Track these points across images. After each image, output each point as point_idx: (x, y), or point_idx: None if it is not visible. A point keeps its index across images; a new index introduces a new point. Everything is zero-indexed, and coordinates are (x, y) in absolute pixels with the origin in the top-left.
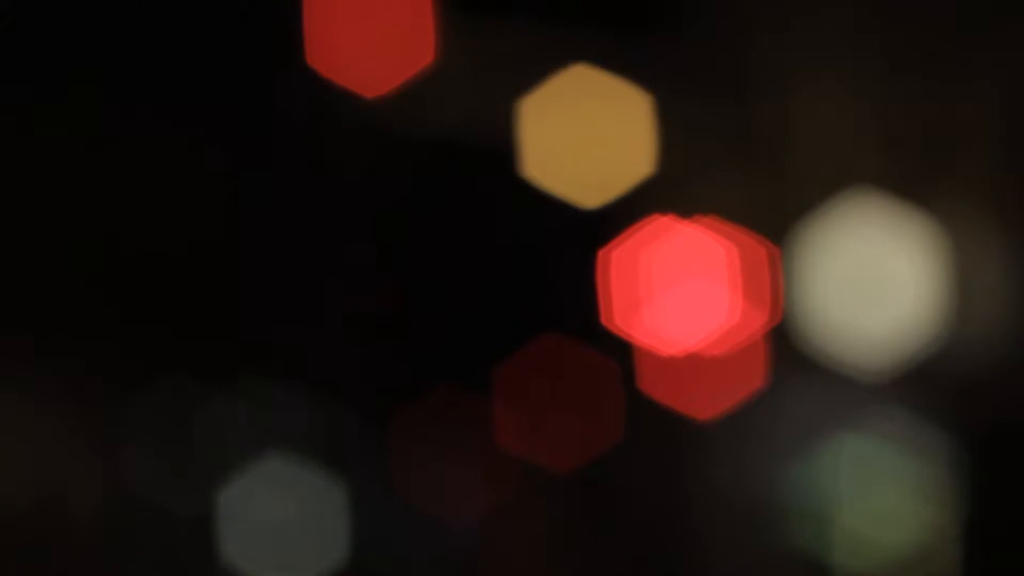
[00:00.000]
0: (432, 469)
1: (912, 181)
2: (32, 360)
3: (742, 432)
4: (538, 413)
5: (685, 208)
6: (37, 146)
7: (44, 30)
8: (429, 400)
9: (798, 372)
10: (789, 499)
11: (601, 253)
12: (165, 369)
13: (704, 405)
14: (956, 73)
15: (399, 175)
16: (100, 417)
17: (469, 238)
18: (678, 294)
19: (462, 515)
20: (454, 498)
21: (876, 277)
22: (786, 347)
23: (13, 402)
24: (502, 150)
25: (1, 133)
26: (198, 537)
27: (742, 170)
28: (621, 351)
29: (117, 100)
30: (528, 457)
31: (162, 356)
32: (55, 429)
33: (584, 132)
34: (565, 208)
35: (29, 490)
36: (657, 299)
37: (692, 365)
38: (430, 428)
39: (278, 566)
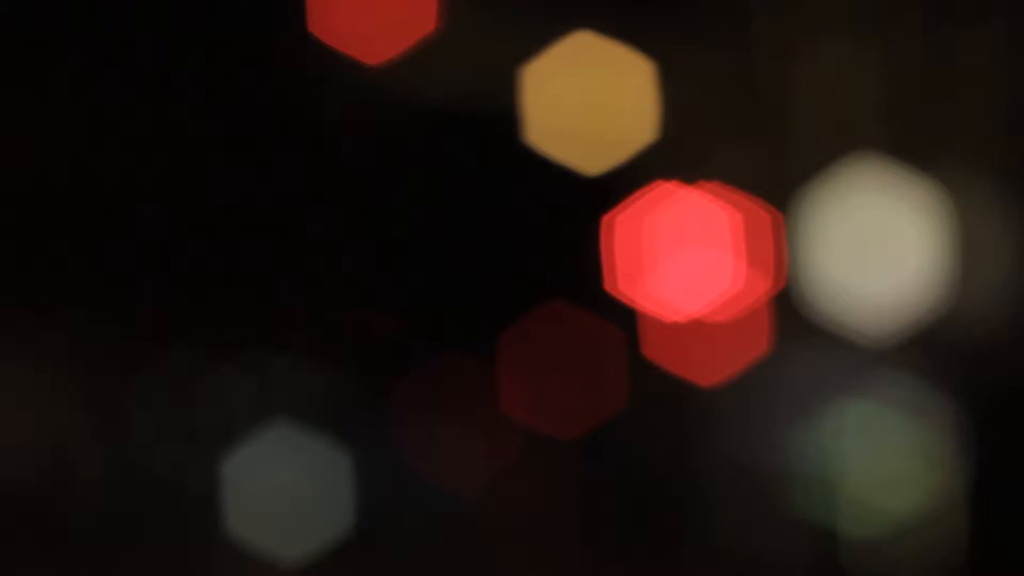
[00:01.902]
0: (436, 436)
1: (915, 146)
2: (35, 334)
3: (746, 398)
4: (542, 380)
5: (688, 174)
6: (35, 120)
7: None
8: (433, 368)
9: (802, 338)
10: (793, 465)
11: (604, 219)
12: (167, 341)
13: (708, 371)
14: (959, 38)
15: (400, 142)
16: (104, 390)
17: (472, 205)
18: (682, 260)
19: (466, 482)
20: (458, 465)
21: (880, 242)
22: (790, 313)
23: (17, 376)
24: (505, 117)
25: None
26: (202, 508)
27: (745, 136)
28: (625, 317)
29: (116, 71)
30: (532, 424)
31: (164, 328)
32: (59, 403)
33: (587, 99)
34: (568, 175)
35: (34, 464)
36: (660, 265)
37: (696, 331)
38: (434, 396)
39: (283, 536)
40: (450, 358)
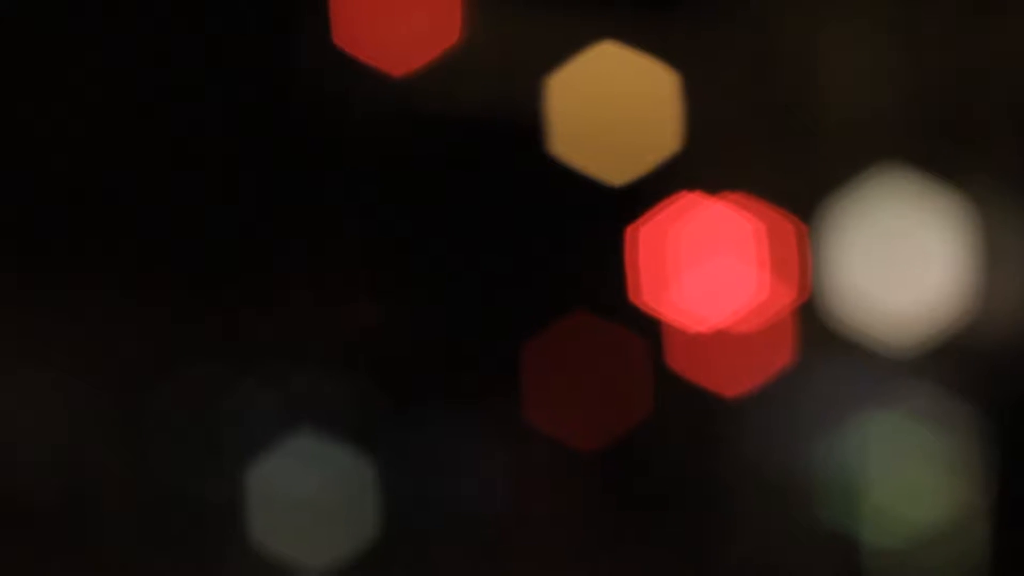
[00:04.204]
0: (460, 447)
1: (940, 155)
2: (57, 348)
3: (770, 409)
4: (567, 391)
5: (712, 185)
6: (49, 123)
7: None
8: (457, 378)
9: (826, 348)
10: (818, 475)
11: (629, 230)
12: (190, 352)
13: (732, 382)
14: (986, 45)
15: (425, 154)
16: (126, 402)
17: (496, 216)
18: (706, 271)
19: (491, 493)
20: (482, 476)
21: (904, 252)
22: (814, 323)
23: (38, 390)
24: (529, 128)
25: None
26: (226, 519)
27: (770, 146)
28: (649, 328)
29: (140, 76)
30: (556, 435)
31: (187, 340)
32: (79, 415)
33: (611, 109)
34: (592, 185)
35: (57, 477)
36: (685, 276)
37: (720, 342)
38: (458, 406)
39: (306, 546)
40: (473, 367)
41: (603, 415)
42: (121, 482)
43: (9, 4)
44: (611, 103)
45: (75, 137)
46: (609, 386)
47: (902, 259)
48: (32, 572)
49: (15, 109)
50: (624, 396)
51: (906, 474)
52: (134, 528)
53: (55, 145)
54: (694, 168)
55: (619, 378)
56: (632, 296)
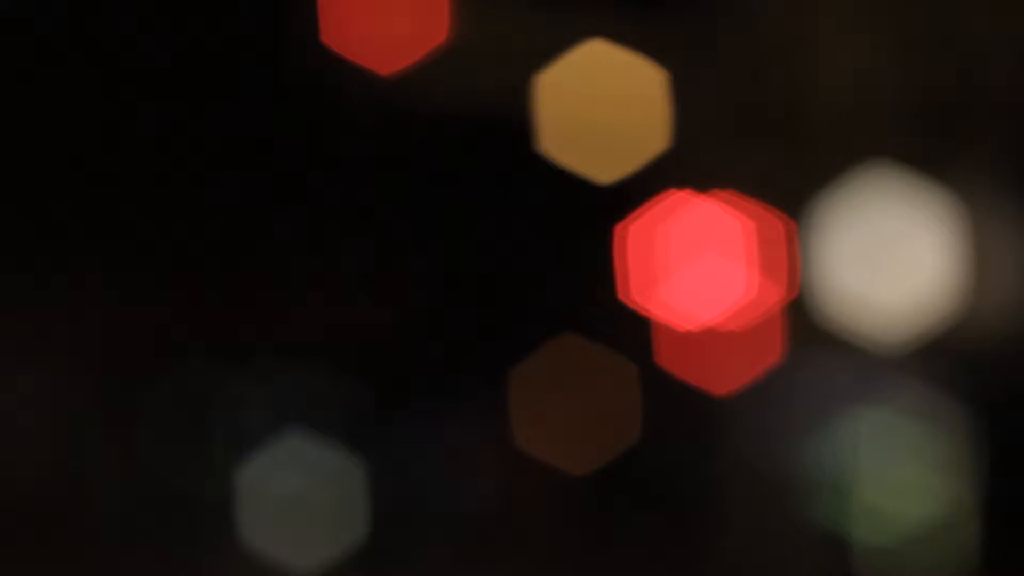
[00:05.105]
0: (452, 447)
1: (929, 153)
2: (57, 348)
3: (760, 406)
4: (554, 408)
5: (701, 182)
6: (49, 122)
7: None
8: (448, 378)
9: (815, 346)
10: (807, 473)
11: (618, 228)
12: (182, 350)
13: (721, 380)
14: (976, 45)
15: (413, 152)
16: (117, 400)
17: (483, 214)
18: (695, 269)
19: (483, 493)
20: (475, 476)
21: (893, 249)
22: (803, 321)
23: (38, 390)
24: (517, 126)
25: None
26: (216, 517)
27: (758, 144)
28: (638, 327)
29: (134, 77)
30: (546, 456)
31: (179, 337)
32: (70, 414)
33: (599, 107)
34: (581, 184)
35: (47, 474)
36: (674, 274)
37: (710, 340)
38: (450, 405)
39: (296, 545)
40: (463, 368)
41: (591, 438)
42: (119, 482)
43: (9, 4)
44: (600, 101)
45: (75, 137)
46: (597, 408)
47: (891, 256)
48: (32, 572)
49: (15, 109)
50: (613, 419)
51: (895, 471)
52: (131, 527)
53: (55, 145)
54: (683, 166)
55: (608, 401)
56: (621, 295)
